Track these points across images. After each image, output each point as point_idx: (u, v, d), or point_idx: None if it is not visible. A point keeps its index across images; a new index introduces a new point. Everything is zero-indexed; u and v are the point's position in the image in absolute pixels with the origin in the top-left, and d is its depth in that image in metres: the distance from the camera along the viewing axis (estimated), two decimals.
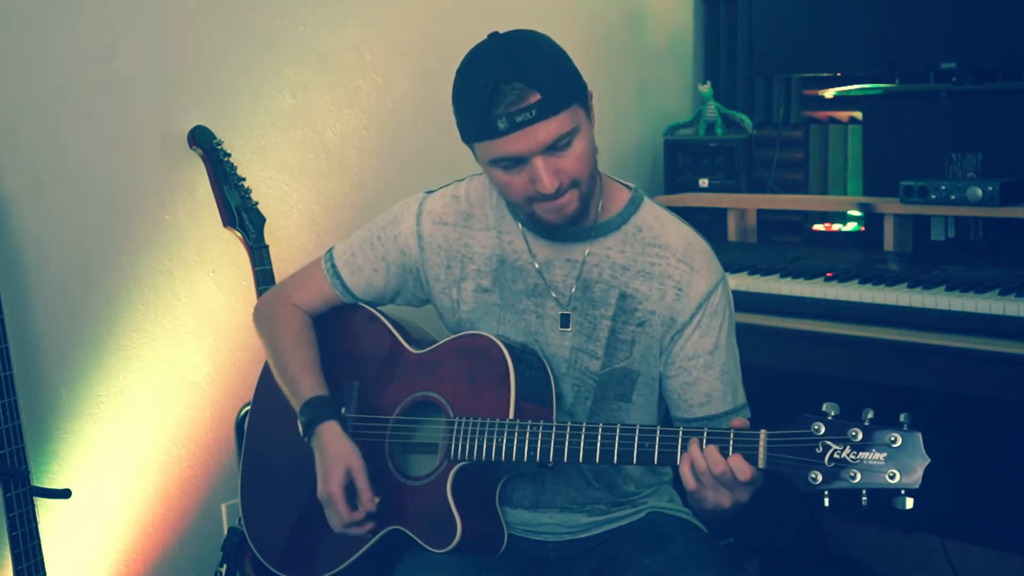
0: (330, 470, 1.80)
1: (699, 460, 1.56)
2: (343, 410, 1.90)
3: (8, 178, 2.15)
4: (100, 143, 2.29)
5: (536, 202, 1.71)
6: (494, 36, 1.70)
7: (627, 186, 1.88)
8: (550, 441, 1.68)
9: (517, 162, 1.67)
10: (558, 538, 1.90)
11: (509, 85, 1.62)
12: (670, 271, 1.80)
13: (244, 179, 2.41)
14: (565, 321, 1.83)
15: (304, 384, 1.90)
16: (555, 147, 1.66)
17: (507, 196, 1.76)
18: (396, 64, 2.80)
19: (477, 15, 2.89)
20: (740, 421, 1.59)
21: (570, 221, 1.75)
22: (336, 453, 1.81)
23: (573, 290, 1.83)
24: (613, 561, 1.86)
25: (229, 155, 2.40)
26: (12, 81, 2.15)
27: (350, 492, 1.80)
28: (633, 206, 1.85)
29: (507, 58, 1.65)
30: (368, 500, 1.79)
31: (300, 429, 1.86)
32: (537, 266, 1.84)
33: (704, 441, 1.57)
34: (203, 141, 2.38)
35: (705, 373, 1.81)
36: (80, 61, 2.24)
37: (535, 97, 1.62)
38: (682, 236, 1.84)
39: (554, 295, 1.84)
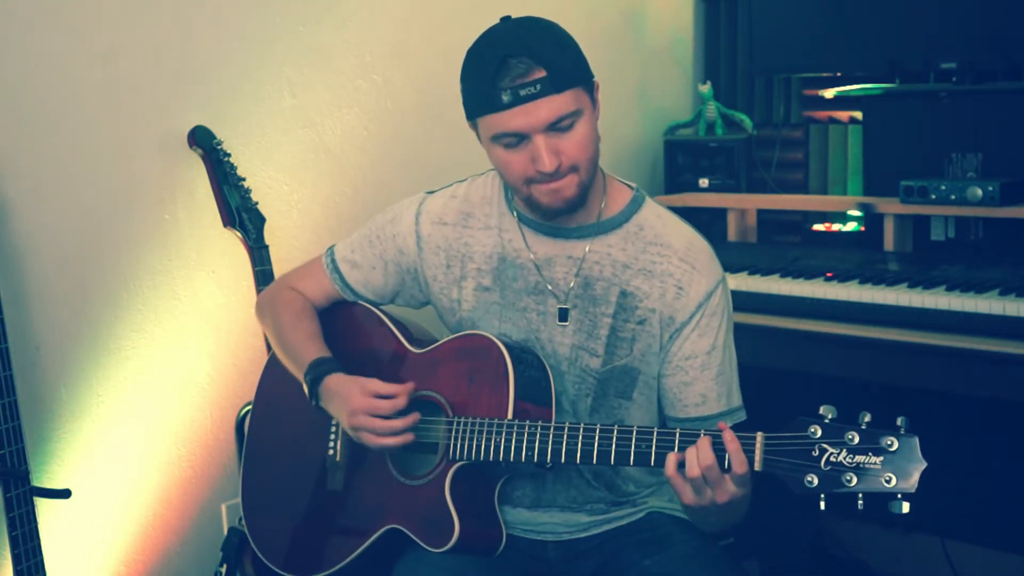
0: (349, 397, 1.77)
1: (689, 454, 1.55)
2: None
3: (8, 178, 2.15)
4: (100, 143, 2.29)
5: (534, 183, 1.72)
6: (506, 19, 1.73)
7: (629, 186, 1.89)
8: (548, 442, 1.68)
9: (519, 140, 1.68)
10: (558, 537, 1.90)
11: (516, 59, 1.64)
12: (671, 270, 1.80)
13: (244, 179, 2.41)
14: (563, 315, 1.83)
15: (307, 351, 1.89)
16: (557, 127, 1.67)
17: (506, 176, 1.76)
18: (396, 64, 2.79)
19: (477, 15, 2.87)
20: (723, 425, 1.57)
21: (567, 206, 1.75)
22: (347, 388, 1.79)
23: (572, 286, 1.83)
24: (613, 561, 1.87)
25: (229, 155, 2.40)
26: (12, 81, 2.15)
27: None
28: (635, 205, 1.86)
29: (516, 35, 1.68)
30: (399, 388, 1.76)
31: (306, 392, 1.85)
32: (534, 261, 1.85)
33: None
34: (203, 141, 2.38)
35: (702, 373, 1.81)
36: (80, 61, 2.24)
37: (540, 73, 1.64)
38: (684, 236, 1.84)
39: (551, 288, 1.84)
